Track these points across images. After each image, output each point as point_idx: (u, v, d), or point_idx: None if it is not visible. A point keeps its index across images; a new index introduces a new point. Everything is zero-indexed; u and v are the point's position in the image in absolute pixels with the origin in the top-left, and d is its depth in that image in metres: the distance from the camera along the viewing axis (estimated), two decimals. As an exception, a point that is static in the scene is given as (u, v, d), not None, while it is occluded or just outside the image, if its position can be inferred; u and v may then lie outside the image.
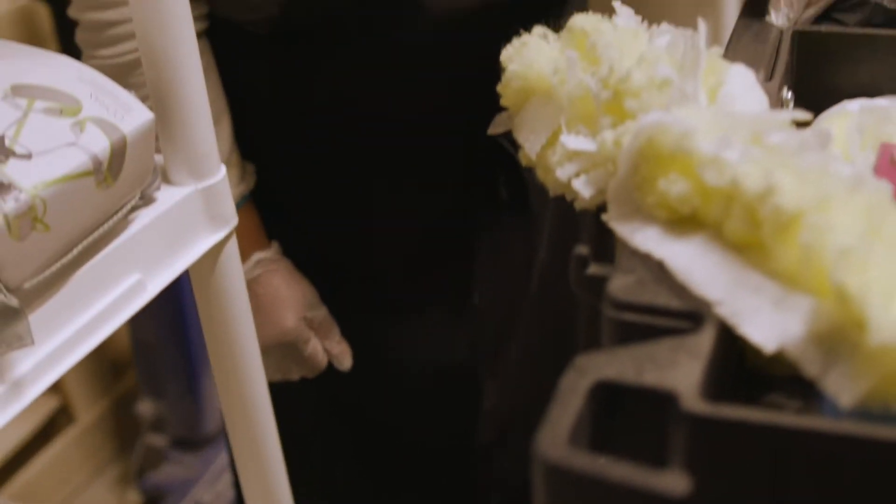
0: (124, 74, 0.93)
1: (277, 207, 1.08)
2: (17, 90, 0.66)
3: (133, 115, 0.68)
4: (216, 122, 0.99)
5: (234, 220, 0.78)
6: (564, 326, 1.09)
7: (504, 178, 1.09)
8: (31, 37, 1.84)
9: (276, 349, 1.06)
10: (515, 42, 0.67)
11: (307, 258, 1.09)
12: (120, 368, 2.01)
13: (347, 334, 1.11)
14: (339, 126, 1.03)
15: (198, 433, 1.89)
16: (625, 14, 0.65)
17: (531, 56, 0.64)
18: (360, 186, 1.06)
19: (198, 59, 0.74)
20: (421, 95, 1.00)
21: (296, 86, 1.01)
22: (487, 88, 0.70)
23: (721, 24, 1.82)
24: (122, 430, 2.00)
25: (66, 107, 0.66)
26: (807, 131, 0.50)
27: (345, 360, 1.10)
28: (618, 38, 0.61)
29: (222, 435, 1.77)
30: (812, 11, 0.80)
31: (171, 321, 1.74)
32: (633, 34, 0.62)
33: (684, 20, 1.64)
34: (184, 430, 1.89)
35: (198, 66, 0.74)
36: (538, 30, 0.67)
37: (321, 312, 1.08)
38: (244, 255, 1.03)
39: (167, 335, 1.77)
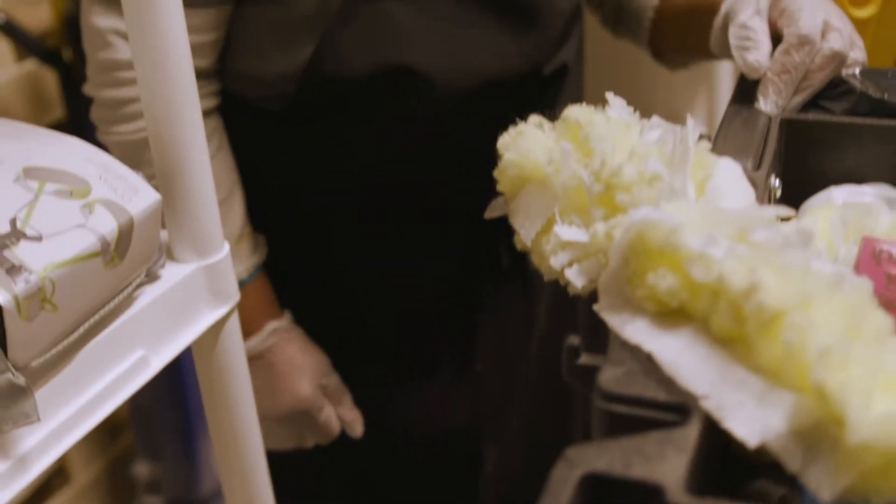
0: (139, 150, 0.96)
1: (289, 277, 1.10)
2: (29, 172, 0.68)
3: (140, 196, 0.70)
4: (228, 196, 1.02)
5: (236, 296, 0.80)
6: (563, 392, 1.11)
7: (505, 246, 1.11)
8: (37, 101, 1.88)
9: (291, 417, 1.08)
10: (512, 130, 0.69)
11: (315, 325, 1.11)
12: (116, 429, 2.02)
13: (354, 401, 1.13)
14: (348, 198, 1.06)
15: (194, 495, 1.89)
16: (617, 105, 0.68)
17: (527, 145, 0.67)
18: (367, 256, 1.09)
19: (203, 140, 0.77)
20: (428, 168, 1.04)
21: (307, 159, 1.04)
22: (490, 162, 0.72)
23: (715, 101, 1.86)
24: (118, 492, 2.00)
25: (76, 189, 0.68)
26: (790, 229, 0.52)
27: (357, 427, 1.12)
28: (610, 130, 0.64)
29: (218, 497, 1.77)
30: (800, 98, 0.82)
31: (169, 384, 1.75)
32: (626, 126, 0.65)
33: (680, 96, 1.67)
34: (180, 491, 1.89)
35: (203, 147, 0.76)
36: (534, 119, 0.70)
37: (334, 379, 1.11)
38: (258, 325, 1.06)
39: (165, 397, 1.78)
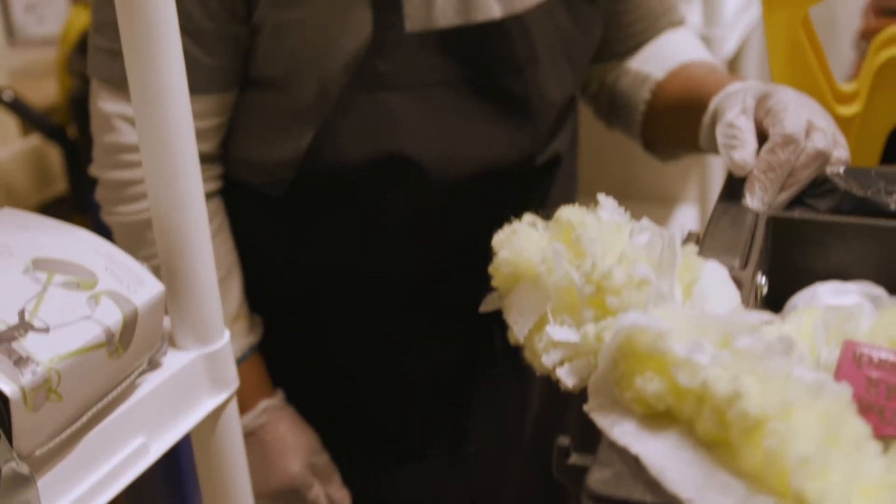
0: (142, 230, 0.98)
1: (285, 354, 1.12)
2: (38, 264, 0.70)
3: (146, 287, 0.72)
4: (226, 277, 1.04)
5: (235, 383, 0.82)
6: (555, 478, 1.12)
7: (500, 329, 1.13)
8: (41, 175, 1.91)
9: (281, 495, 1.09)
10: (507, 228, 0.71)
11: (309, 405, 1.13)
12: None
13: (346, 481, 1.14)
14: (344, 281, 1.08)
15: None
16: (608, 206, 0.70)
17: (521, 244, 0.69)
18: (362, 338, 1.11)
19: (207, 228, 0.79)
20: (422, 253, 1.06)
21: (305, 243, 1.07)
22: (483, 249, 0.75)
23: (707, 182, 1.89)
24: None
25: (83, 280, 0.70)
26: (773, 336, 0.54)
27: None
28: (601, 232, 0.66)
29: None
30: (786, 195, 0.85)
31: (166, 466, 1.76)
32: (616, 228, 0.67)
33: (674, 176, 1.69)
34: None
35: (206, 236, 0.79)
36: (528, 217, 0.72)
37: (323, 458, 1.12)
38: (251, 403, 1.08)
39: (161, 481, 1.78)
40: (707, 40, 1.76)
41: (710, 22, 1.78)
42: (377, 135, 0.97)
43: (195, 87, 0.90)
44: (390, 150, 0.98)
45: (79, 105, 1.68)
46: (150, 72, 0.72)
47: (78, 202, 1.84)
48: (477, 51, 0.98)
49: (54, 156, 1.90)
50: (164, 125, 0.74)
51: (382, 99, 0.96)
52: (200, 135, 0.96)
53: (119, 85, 0.95)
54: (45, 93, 2.00)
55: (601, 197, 0.71)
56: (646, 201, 2.29)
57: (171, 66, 0.72)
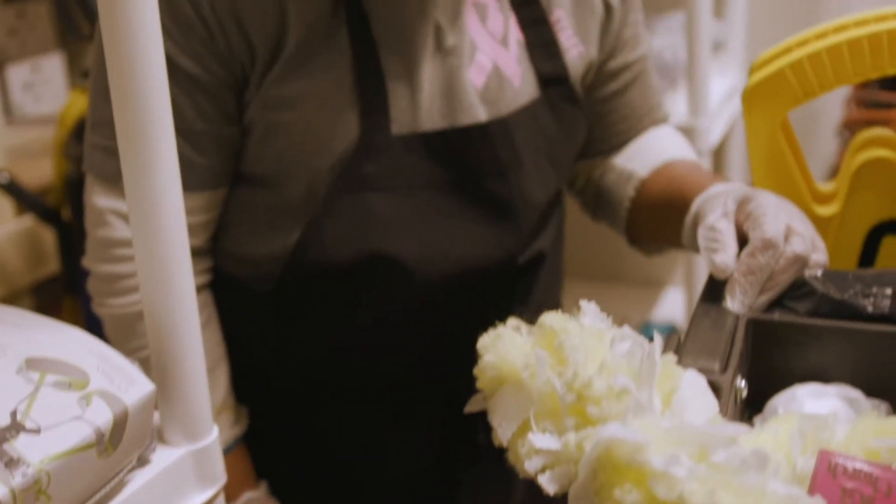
0: (133, 323, 1.00)
1: (273, 445, 1.13)
2: (31, 363, 0.71)
3: (136, 387, 0.73)
4: (214, 369, 1.06)
5: (223, 479, 0.83)
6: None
7: (482, 421, 1.14)
8: (34, 255, 1.92)
9: None
10: (491, 332, 0.73)
11: (297, 494, 1.13)
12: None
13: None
14: (330, 374, 1.10)
15: None
16: (590, 312, 0.72)
17: (505, 348, 0.71)
18: (346, 431, 1.12)
19: (198, 325, 0.80)
20: (407, 349, 1.08)
21: (291, 336, 1.08)
22: (465, 346, 0.76)
23: (692, 267, 1.91)
24: None
25: (75, 380, 0.72)
26: (747, 450, 0.55)
27: None
28: (584, 338, 0.68)
29: None
30: (765, 298, 0.87)
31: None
32: (598, 336, 0.69)
33: (660, 266, 1.70)
34: None
35: (197, 335, 0.80)
36: (512, 322, 0.74)
37: None
38: (235, 494, 1.08)
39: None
40: (692, 130, 1.80)
41: (696, 112, 1.82)
42: (362, 235, 0.99)
43: (187, 185, 0.91)
44: (375, 250, 1.00)
45: (73, 188, 1.70)
46: (145, 171, 0.74)
47: (70, 283, 1.86)
48: (461, 153, 1.01)
49: (48, 236, 1.92)
50: (157, 222, 0.76)
51: (368, 200, 0.98)
52: (191, 230, 0.98)
53: (114, 181, 0.97)
54: (41, 172, 2.03)
55: (583, 303, 0.72)
56: (632, 284, 2.32)
57: (166, 165, 0.74)
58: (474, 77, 1.02)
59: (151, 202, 0.75)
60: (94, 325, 1.09)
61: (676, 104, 1.89)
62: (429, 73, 0.99)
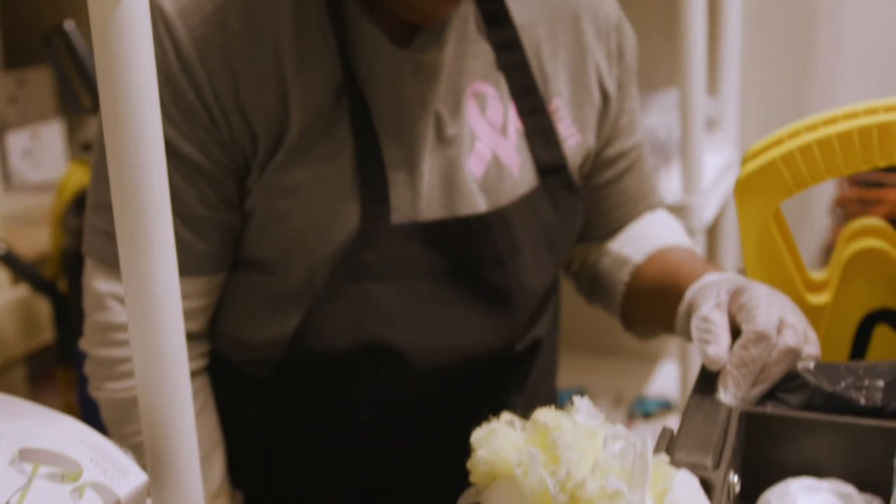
0: (129, 407, 1.00)
1: None
2: (25, 454, 0.71)
3: (129, 478, 0.73)
4: (209, 455, 1.05)
5: (212, 571, 0.82)
6: None
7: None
8: (29, 325, 1.92)
9: None
10: (485, 427, 0.73)
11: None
12: None
13: None
14: (328, 458, 1.09)
15: None
16: (584, 409, 0.72)
17: (498, 443, 0.71)
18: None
19: (192, 415, 0.80)
20: (405, 433, 1.08)
21: (288, 421, 1.09)
22: (465, 429, 0.76)
23: (687, 351, 1.91)
24: None
25: (68, 472, 0.71)
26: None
27: None
28: (577, 436, 0.68)
29: None
30: (758, 390, 0.87)
31: None
32: (591, 434, 0.69)
33: (654, 340, 1.69)
34: None
35: (191, 425, 0.80)
36: (506, 416, 0.74)
37: None
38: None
39: None
40: (686, 208, 1.81)
41: (689, 190, 1.84)
42: (361, 323, 1.00)
43: (187, 270, 0.93)
44: (374, 340, 1.00)
45: (70, 261, 1.71)
46: (142, 256, 0.74)
47: (64, 353, 1.86)
48: (460, 243, 1.01)
49: (43, 306, 1.92)
50: (153, 309, 0.76)
51: (367, 288, 0.99)
52: (189, 314, 0.98)
53: (113, 265, 0.98)
54: (39, 241, 2.03)
55: (576, 399, 0.73)
56: (627, 357, 2.32)
57: (162, 252, 0.75)
58: (474, 167, 1.03)
59: (147, 288, 0.76)
60: (87, 398, 1.09)
61: (670, 181, 1.91)
62: (429, 162, 1.01)
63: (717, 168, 2.04)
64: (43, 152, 2.64)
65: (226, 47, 0.94)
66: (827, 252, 2.11)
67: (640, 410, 2.07)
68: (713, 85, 2.15)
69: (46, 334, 1.96)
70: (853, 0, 2.10)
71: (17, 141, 2.59)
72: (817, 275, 1.07)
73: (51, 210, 1.88)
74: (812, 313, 1.00)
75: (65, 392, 1.91)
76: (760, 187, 1.00)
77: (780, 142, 1.00)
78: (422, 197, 1.00)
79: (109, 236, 0.97)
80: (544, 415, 0.71)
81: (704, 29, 1.80)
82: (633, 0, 1.68)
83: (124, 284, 0.75)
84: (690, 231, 1.80)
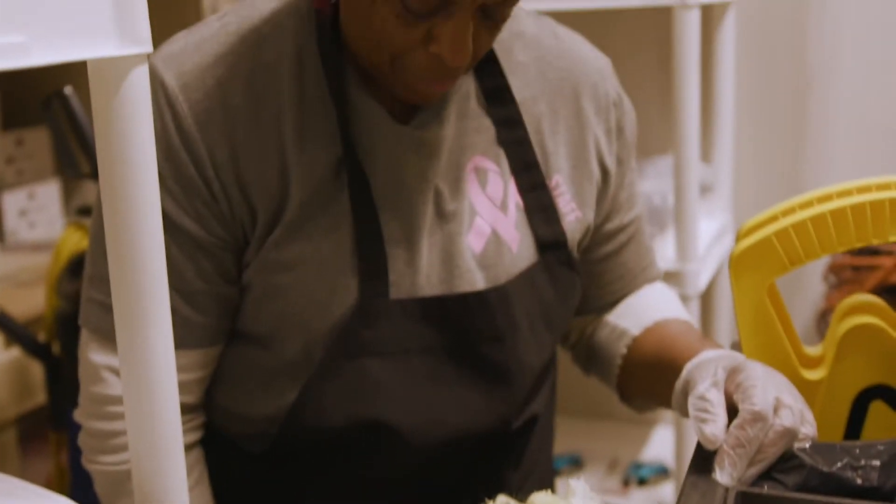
0: (123, 481, 0.99)
1: None
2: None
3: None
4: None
5: None
6: None
7: None
8: (22, 387, 1.92)
9: None
10: (481, 508, 0.73)
11: None
12: None
13: None
14: None
15: None
16: (581, 493, 0.72)
17: (495, 526, 0.70)
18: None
19: (186, 490, 0.80)
20: None
21: (283, 495, 1.08)
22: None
23: (683, 422, 1.90)
24: None
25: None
26: None
27: None
28: (573, 522, 0.68)
29: None
30: (754, 470, 0.87)
31: None
32: (587, 519, 0.69)
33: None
34: None
35: (185, 501, 0.79)
36: (501, 499, 0.74)
37: None
38: None
39: None
40: (680, 275, 1.81)
41: (683, 257, 1.84)
42: (357, 400, 0.99)
43: (183, 343, 0.93)
44: (370, 417, 1.00)
45: (64, 324, 1.71)
46: (138, 330, 0.74)
47: (56, 416, 1.85)
48: (458, 320, 1.01)
49: (36, 368, 1.91)
50: (149, 382, 0.76)
51: (364, 365, 0.99)
52: (185, 387, 0.98)
53: (110, 337, 0.97)
54: (33, 301, 2.03)
55: (572, 481, 0.72)
56: (623, 422, 2.31)
57: (159, 325, 0.74)
58: (473, 243, 1.03)
59: (143, 362, 0.75)
60: (78, 461, 1.08)
61: (665, 248, 1.91)
62: (428, 238, 1.01)
63: (711, 234, 2.04)
64: (39, 212, 2.65)
65: (227, 122, 0.95)
66: (821, 319, 2.11)
67: (635, 476, 2.06)
68: (707, 151, 2.16)
69: (39, 397, 1.95)
70: (846, 74, 2.12)
71: (13, 200, 2.60)
72: (812, 350, 1.07)
73: (46, 271, 1.88)
74: (807, 389, 1.00)
75: (56, 455, 1.90)
76: (755, 264, 1.00)
77: (774, 218, 1.01)
78: (421, 273, 1.00)
79: (106, 308, 0.97)
80: (541, 499, 0.71)
81: (698, 97, 1.81)
82: (629, 69, 1.70)
83: (120, 357, 0.75)
84: (685, 298, 1.80)
